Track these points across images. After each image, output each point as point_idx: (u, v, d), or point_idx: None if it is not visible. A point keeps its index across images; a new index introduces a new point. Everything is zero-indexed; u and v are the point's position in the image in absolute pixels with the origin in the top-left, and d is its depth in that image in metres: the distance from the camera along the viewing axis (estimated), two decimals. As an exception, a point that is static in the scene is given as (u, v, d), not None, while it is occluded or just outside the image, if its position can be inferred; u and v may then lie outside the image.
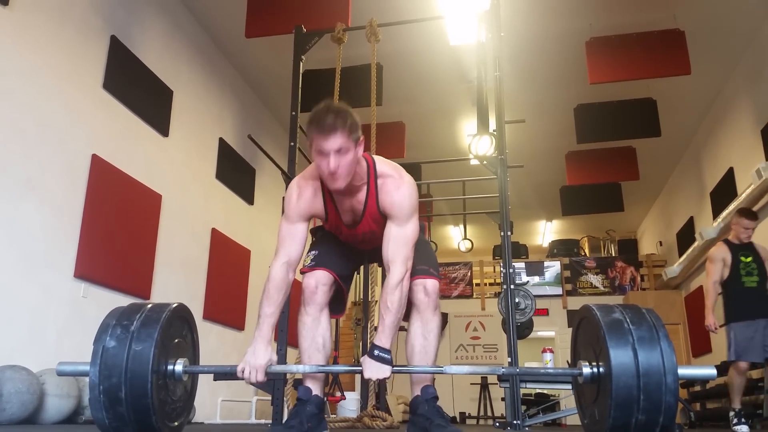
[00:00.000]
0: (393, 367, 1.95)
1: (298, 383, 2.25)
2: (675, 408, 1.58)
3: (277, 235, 2.14)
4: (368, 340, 5.15)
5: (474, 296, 12.22)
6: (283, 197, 2.21)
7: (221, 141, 6.79)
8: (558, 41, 6.54)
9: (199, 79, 6.45)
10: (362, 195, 2.10)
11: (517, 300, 5.36)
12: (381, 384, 4.54)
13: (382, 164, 2.13)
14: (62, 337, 4.24)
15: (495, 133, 4.24)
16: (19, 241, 3.97)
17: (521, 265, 11.91)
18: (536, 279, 11.86)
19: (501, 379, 4.13)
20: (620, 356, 1.59)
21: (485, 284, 12.20)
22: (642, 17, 6.02)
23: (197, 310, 6.01)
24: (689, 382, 8.72)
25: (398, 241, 2.04)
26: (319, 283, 2.17)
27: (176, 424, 1.81)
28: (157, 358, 1.64)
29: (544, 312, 11.50)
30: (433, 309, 2.15)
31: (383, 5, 5.67)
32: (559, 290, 11.81)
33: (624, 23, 6.05)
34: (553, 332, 11.71)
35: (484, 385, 10.32)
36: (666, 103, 7.10)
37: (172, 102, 5.83)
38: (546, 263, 12.11)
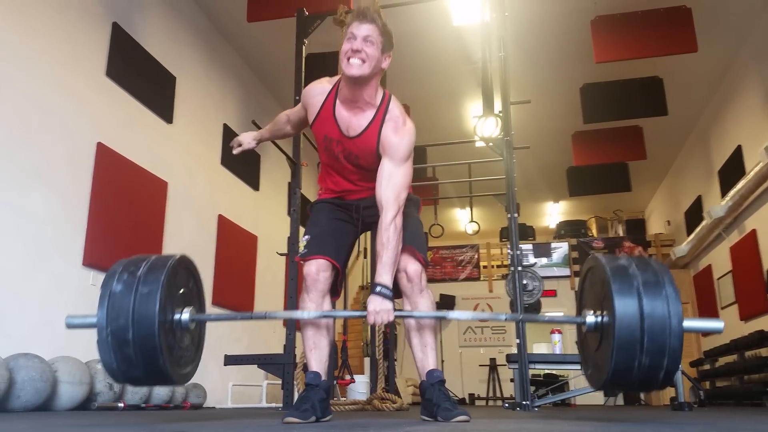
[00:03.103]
0: (394, 305, 2.01)
1: (306, 368, 2.27)
2: (679, 352, 1.55)
3: None
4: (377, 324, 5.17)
5: (481, 279, 12.24)
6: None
7: (225, 127, 6.78)
8: (563, 20, 6.46)
9: (202, 64, 6.43)
10: (367, 117, 2.17)
11: (524, 282, 5.35)
12: (390, 367, 4.57)
13: (396, 104, 2.21)
14: (73, 324, 4.28)
15: (500, 114, 4.21)
16: (27, 230, 3.99)
17: (528, 246, 11.89)
18: (544, 260, 11.85)
19: (510, 360, 4.14)
20: (624, 299, 1.57)
21: (492, 266, 12.21)
22: (648, -6, 5.93)
23: (206, 297, 6.04)
24: (698, 361, 8.74)
25: (392, 180, 2.12)
26: (320, 269, 2.17)
27: (187, 370, 1.83)
28: (164, 302, 1.65)
29: (552, 293, 11.51)
30: (419, 292, 2.17)
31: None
32: (566, 271, 11.81)
33: (629, 1, 5.96)
34: (561, 313, 11.72)
35: (493, 367, 10.38)
36: (673, 81, 7.02)
37: (175, 88, 5.81)
38: (553, 244, 12.09)
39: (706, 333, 8.15)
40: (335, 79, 2.24)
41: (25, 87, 4.08)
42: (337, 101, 2.19)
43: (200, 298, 1.97)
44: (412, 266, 2.16)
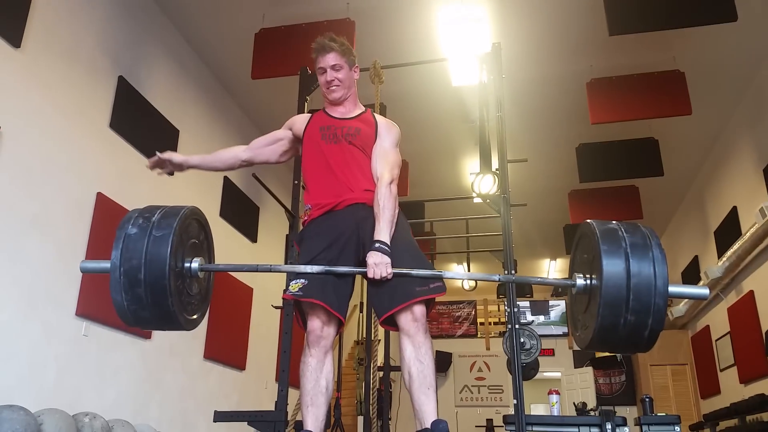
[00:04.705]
0: (391, 264, 2.04)
1: (299, 426, 2.21)
2: (664, 311, 1.57)
3: None
4: (371, 380, 5.08)
5: (479, 335, 12.10)
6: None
7: (225, 179, 6.84)
8: (559, 82, 6.63)
9: (205, 118, 6.54)
10: (358, 111, 2.49)
11: (522, 340, 5.28)
12: (384, 426, 4.46)
13: (379, 115, 2.54)
14: (62, 376, 4.20)
15: (497, 171, 4.25)
16: (22, 279, 3.96)
17: (526, 304, 11.82)
18: (541, 318, 11.76)
19: (506, 422, 4.05)
20: (612, 259, 1.60)
21: (490, 323, 12.09)
22: (642, 59, 6.11)
23: (198, 350, 5.95)
24: (698, 425, 8.55)
25: (386, 157, 2.35)
26: (324, 324, 2.13)
27: (194, 317, 1.88)
28: (175, 247, 1.72)
29: (550, 352, 11.37)
30: (423, 332, 2.11)
31: (387, 47, 5.77)
32: (564, 329, 11.69)
33: (624, 65, 6.13)
34: (559, 373, 11.54)
35: (490, 428, 10.14)
36: (668, 142, 7.15)
37: (177, 141, 5.89)
38: (551, 302, 12.02)
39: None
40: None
41: (30, 138, 4.14)
42: (327, 109, 2.51)
43: (209, 251, 2.04)
44: (418, 308, 2.11)
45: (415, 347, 2.10)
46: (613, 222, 1.73)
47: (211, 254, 2.04)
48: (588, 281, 1.74)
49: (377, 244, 2.08)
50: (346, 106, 2.47)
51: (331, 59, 2.40)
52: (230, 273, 6.71)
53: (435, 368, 2.15)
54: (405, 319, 2.10)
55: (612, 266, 1.59)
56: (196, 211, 1.89)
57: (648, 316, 1.58)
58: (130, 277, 1.68)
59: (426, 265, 2.26)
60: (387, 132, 2.43)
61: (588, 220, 1.80)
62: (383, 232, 2.11)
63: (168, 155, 2.41)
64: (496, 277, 2.05)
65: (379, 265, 2.02)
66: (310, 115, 2.53)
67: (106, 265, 1.72)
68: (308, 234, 2.29)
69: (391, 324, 2.17)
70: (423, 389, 2.09)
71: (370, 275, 2.03)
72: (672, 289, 1.60)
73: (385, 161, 2.33)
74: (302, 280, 2.13)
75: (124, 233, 1.72)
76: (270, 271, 2.08)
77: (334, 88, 2.41)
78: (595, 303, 1.65)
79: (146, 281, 1.67)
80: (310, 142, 2.42)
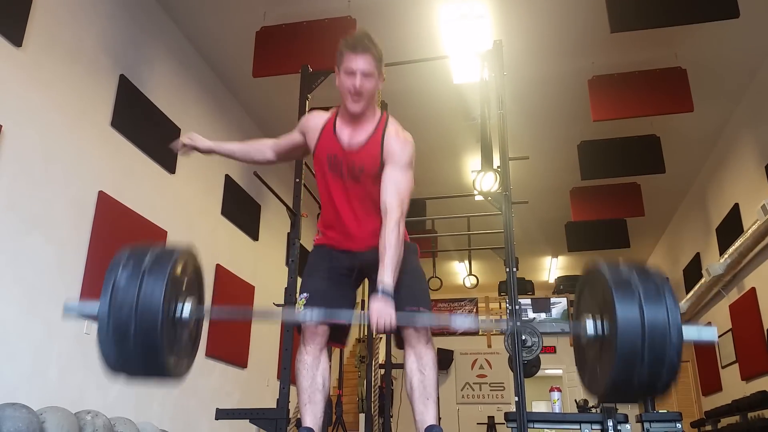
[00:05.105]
0: (395, 305, 1.98)
1: (300, 424, 2.22)
2: (678, 365, 1.56)
3: None
4: (372, 378, 5.09)
5: (480, 333, 12.11)
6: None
7: (227, 177, 6.84)
8: (561, 80, 6.61)
9: (207, 116, 6.54)
10: (368, 130, 2.21)
11: (523, 337, 5.29)
12: (385, 424, 4.47)
13: (393, 120, 2.27)
14: (64, 374, 4.21)
15: (499, 169, 4.25)
16: (23, 277, 3.97)
17: (527, 301, 11.82)
18: (543, 315, 11.76)
19: (508, 419, 4.05)
20: (627, 310, 1.56)
21: (491, 321, 12.10)
22: (643, 56, 6.10)
23: (200, 348, 5.95)
24: (700, 422, 8.56)
25: (397, 186, 2.13)
26: (320, 323, 2.15)
27: (184, 366, 1.79)
28: (168, 295, 1.60)
29: (552, 350, 11.37)
30: (425, 342, 2.14)
31: (388, 45, 5.75)
32: (566, 327, 11.69)
33: (626, 62, 6.12)
34: (560, 370, 11.54)
35: (491, 425, 10.15)
36: (670, 140, 7.13)
37: (179, 139, 5.89)
38: (552, 299, 12.01)
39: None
40: (332, 111, 2.33)
41: (32, 137, 4.14)
42: (338, 121, 2.25)
43: (200, 291, 1.91)
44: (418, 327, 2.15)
45: (416, 357, 2.14)
46: (623, 266, 1.68)
47: (201, 295, 1.90)
48: (598, 328, 1.69)
49: (380, 287, 1.98)
50: (360, 123, 2.22)
51: (363, 63, 2.10)
52: (231, 270, 6.72)
53: (436, 378, 2.18)
54: (406, 332, 2.15)
55: (627, 320, 1.55)
56: (189, 251, 1.78)
57: (662, 369, 1.56)
58: (119, 331, 1.56)
59: (425, 300, 2.21)
60: (400, 153, 2.17)
61: (596, 262, 1.75)
62: (387, 276, 2.00)
63: (193, 143, 2.40)
64: (504, 325, 2.07)
65: (382, 315, 1.93)
66: (322, 124, 2.28)
67: (92, 309, 1.62)
68: (311, 260, 2.34)
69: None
70: (422, 399, 2.14)
71: (373, 322, 1.96)
72: (685, 336, 1.59)
73: (395, 193, 2.11)
74: (305, 294, 2.20)
75: (113, 278, 1.61)
76: (264, 317, 2.02)
77: (357, 98, 2.13)
78: (608, 355, 1.62)
79: (137, 335, 1.55)
80: (319, 166, 2.28)
